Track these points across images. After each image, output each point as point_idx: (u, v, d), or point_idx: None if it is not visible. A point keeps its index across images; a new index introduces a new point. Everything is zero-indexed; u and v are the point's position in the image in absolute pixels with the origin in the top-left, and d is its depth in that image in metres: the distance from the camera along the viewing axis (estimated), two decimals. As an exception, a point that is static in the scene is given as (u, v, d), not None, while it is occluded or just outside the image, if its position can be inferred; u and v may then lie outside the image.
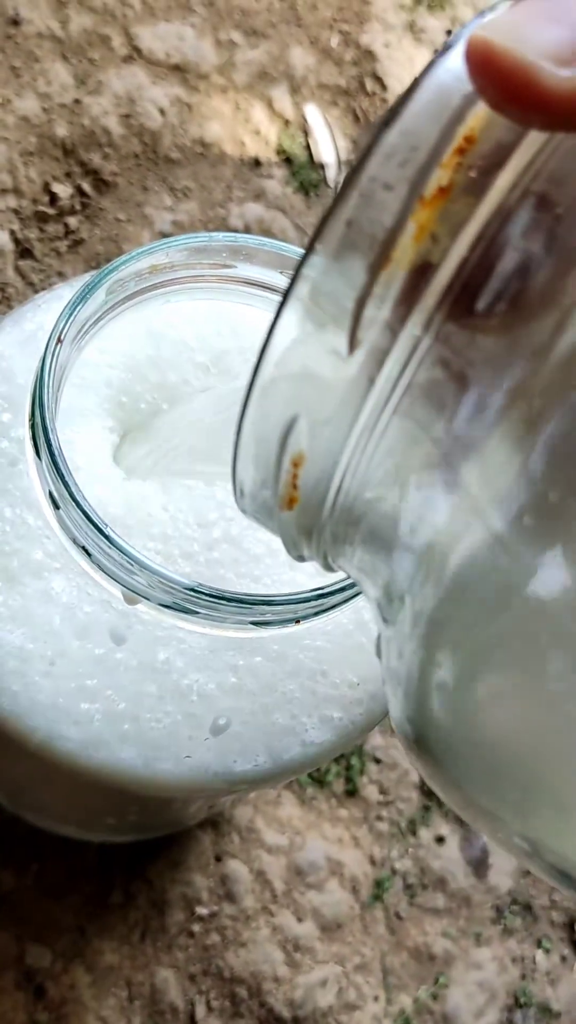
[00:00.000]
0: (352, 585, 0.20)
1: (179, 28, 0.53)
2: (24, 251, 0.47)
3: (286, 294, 0.14)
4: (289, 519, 0.16)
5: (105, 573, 0.20)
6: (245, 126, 0.54)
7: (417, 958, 0.45)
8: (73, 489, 0.19)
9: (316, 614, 0.21)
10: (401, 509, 0.15)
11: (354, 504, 0.16)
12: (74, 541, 0.20)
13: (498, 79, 0.12)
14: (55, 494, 0.20)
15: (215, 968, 0.41)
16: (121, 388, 0.23)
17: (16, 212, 0.47)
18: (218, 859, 0.43)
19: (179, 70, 0.52)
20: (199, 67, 0.53)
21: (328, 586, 0.20)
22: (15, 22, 0.49)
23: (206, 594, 0.19)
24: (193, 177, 0.51)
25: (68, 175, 0.49)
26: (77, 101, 0.49)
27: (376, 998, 0.44)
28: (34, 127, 0.48)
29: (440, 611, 0.14)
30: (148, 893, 0.41)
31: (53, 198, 0.48)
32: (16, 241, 0.47)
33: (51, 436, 0.20)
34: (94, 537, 0.20)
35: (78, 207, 0.48)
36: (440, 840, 0.48)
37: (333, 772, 0.47)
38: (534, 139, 0.13)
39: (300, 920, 0.43)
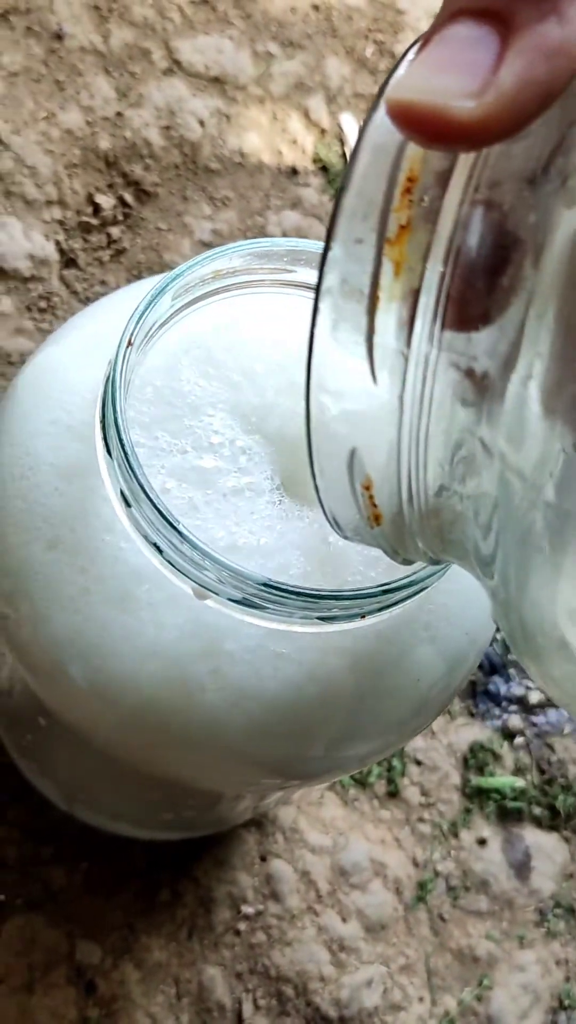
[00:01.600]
0: (417, 581, 0.21)
1: (218, 41, 0.53)
2: (69, 261, 0.48)
3: (310, 349, 0.17)
4: (380, 533, 0.19)
5: (176, 569, 0.21)
6: (282, 136, 0.55)
7: (461, 960, 0.46)
8: (146, 486, 0.20)
9: (381, 609, 0.21)
10: (463, 497, 0.17)
11: (427, 505, 0.18)
12: (146, 538, 0.21)
13: (422, 125, 0.14)
14: (127, 492, 0.21)
15: (261, 967, 0.42)
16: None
17: (61, 223, 0.48)
18: (263, 859, 0.43)
19: (218, 82, 0.53)
20: (237, 79, 0.54)
21: (394, 581, 0.21)
22: (58, 37, 0.50)
23: (277, 589, 0.20)
24: (232, 186, 0.52)
25: (111, 186, 0.49)
26: (119, 114, 0.50)
27: (421, 999, 0.44)
28: (78, 140, 0.49)
29: (519, 574, 0.16)
30: (195, 891, 0.42)
31: (96, 209, 0.49)
32: (61, 251, 0.48)
33: (123, 434, 0.20)
34: (166, 533, 0.20)
35: (120, 217, 0.49)
36: (482, 842, 0.48)
37: (375, 774, 0.47)
38: (464, 159, 0.16)
39: (345, 920, 0.44)
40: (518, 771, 0.50)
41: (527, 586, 0.16)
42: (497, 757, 0.50)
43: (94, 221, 0.49)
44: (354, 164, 0.16)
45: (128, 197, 0.50)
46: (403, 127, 0.15)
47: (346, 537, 0.20)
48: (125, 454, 0.20)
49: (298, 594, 0.20)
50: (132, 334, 0.21)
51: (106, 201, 0.49)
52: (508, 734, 0.51)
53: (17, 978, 0.39)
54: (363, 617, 0.21)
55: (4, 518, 0.23)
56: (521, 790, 0.49)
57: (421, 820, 0.47)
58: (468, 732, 0.50)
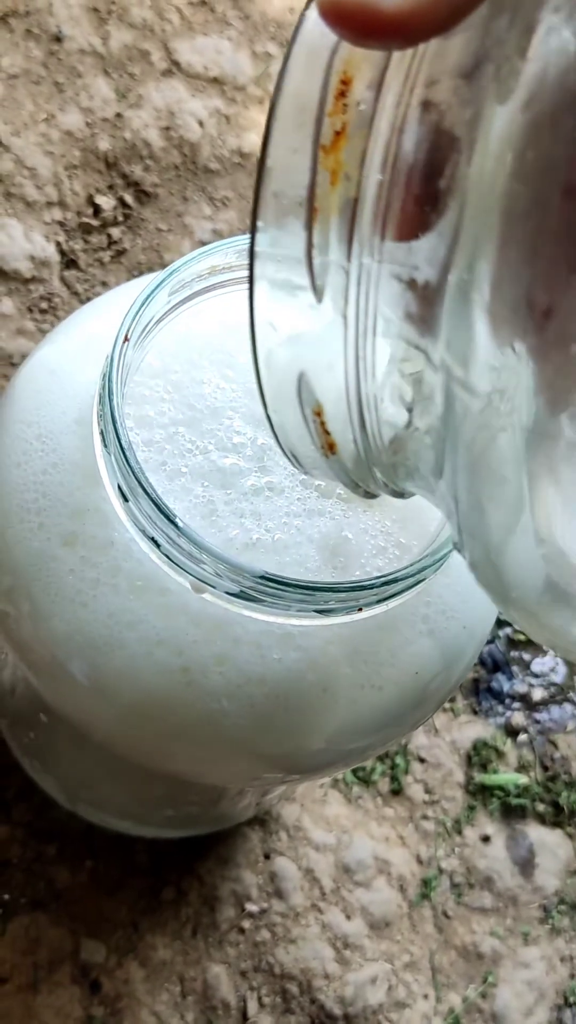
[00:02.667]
0: (416, 572, 0.21)
1: (216, 42, 0.54)
2: (69, 262, 0.48)
3: (251, 276, 0.16)
4: (337, 463, 0.18)
5: (173, 563, 0.21)
6: (282, 136, 0.55)
7: (465, 957, 0.46)
8: (143, 480, 0.20)
9: (378, 601, 0.21)
10: (414, 418, 0.17)
11: (379, 429, 0.17)
12: (143, 532, 0.21)
13: (352, 21, 0.14)
14: (124, 487, 0.21)
15: (266, 964, 0.42)
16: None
17: (61, 224, 0.48)
18: (267, 856, 0.43)
19: (217, 83, 0.53)
20: (236, 79, 0.54)
21: (390, 573, 0.21)
22: (58, 39, 0.50)
23: (273, 581, 0.20)
24: (232, 186, 0.52)
25: (111, 187, 0.50)
26: (119, 115, 0.50)
27: (426, 996, 0.44)
28: (78, 141, 0.49)
29: (471, 489, 0.16)
30: (199, 890, 0.42)
31: (97, 210, 0.49)
32: (62, 252, 0.48)
33: (120, 429, 0.20)
34: (164, 527, 0.20)
35: (120, 218, 0.49)
36: (486, 839, 0.48)
37: (378, 771, 0.47)
38: (399, 59, 0.15)
39: (349, 918, 0.44)
40: (521, 768, 0.50)
41: (486, 512, 0.15)
42: (500, 754, 0.50)
43: (94, 222, 0.49)
44: (286, 68, 0.16)
45: (128, 198, 0.50)
46: (333, 24, 0.14)
47: (307, 473, 0.19)
48: (122, 449, 0.20)
49: (295, 586, 0.20)
50: (128, 330, 0.21)
51: (106, 202, 0.49)
52: (511, 731, 0.51)
53: (22, 977, 0.39)
54: (360, 610, 0.21)
55: (2, 515, 0.23)
56: (524, 787, 0.49)
57: (425, 817, 0.47)
58: (471, 730, 0.50)
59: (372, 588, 0.20)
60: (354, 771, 0.47)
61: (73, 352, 0.25)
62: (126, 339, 0.21)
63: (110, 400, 0.21)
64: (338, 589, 0.20)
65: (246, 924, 0.42)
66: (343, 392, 0.17)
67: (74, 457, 0.23)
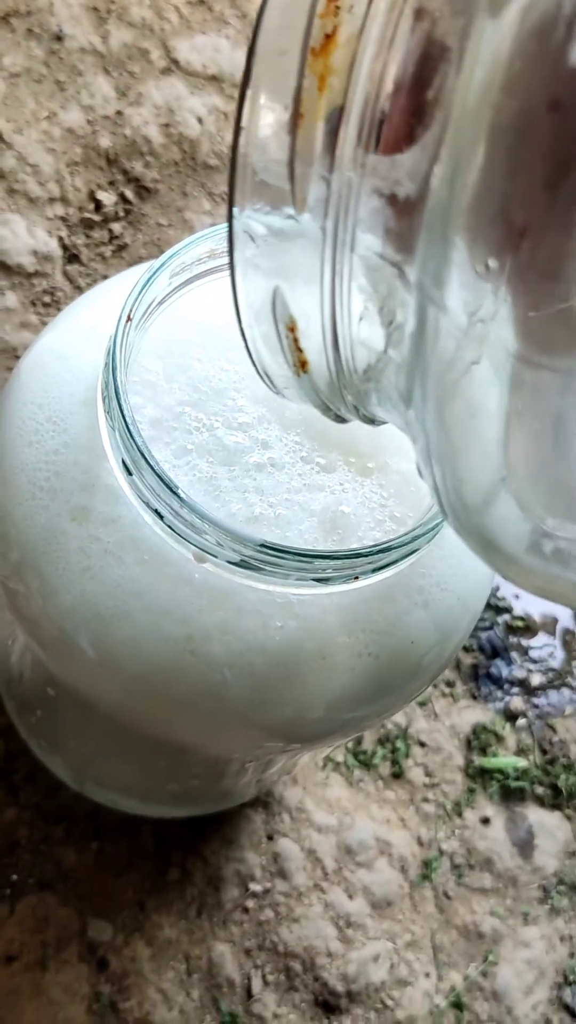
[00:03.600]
0: (409, 541, 0.22)
1: (215, 40, 0.54)
2: (72, 256, 0.49)
3: (231, 180, 0.16)
4: (309, 383, 0.18)
5: (177, 534, 0.22)
6: (279, 132, 0.56)
7: (466, 936, 0.46)
8: (145, 452, 0.21)
9: (374, 570, 0.22)
10: (387, 339, 0.17)
11: (354, 350, 0.17)
12: (147, 505, 0.22)
13: None
14: (128, 461, 0.22)
15: (269, 943, 0.43)
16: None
17: (64, 220, 0.49)
18: (270, 838, 0.44)
19: (216, 80, 0.54)
20: (234, 76, 0.55)
21: (385, 542, 0.22)
22: (58, 38, 0.51)
23: (272, 549, 0.21)
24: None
25: (112, 183, 0.51)
26: (119, 112, 0.51)
27: (427, 975, 0.45)
28: (79, 138, 0.50)
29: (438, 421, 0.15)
30: (204, 870, 0.43)
31: (98, 205, 0.50)
32: (64, 247, 0.49)
33: (123, 403, 0.21)
34: (167, 498, 0.21)
35: (122, 214, 0.50)
36: (485, 821, 0.48)
37: (379, 755, 0.48)
38: None
39: (351, 897, 0.44)
40: (520, 752, 0.51)
41: (455, 448, 0.15)
42: (500, 738, 0.51)
43: (96, 217, 0.50)
44: None
45: (129, 194, 0.51)
46: None
47: (279, 393, 0.19)
48: (125, 422, 0.21)
49: (292, 554, 0.21)
50: (131, 310, 0.22)
51: (107, 198, 0.50)
52: (510, 716, 0.52)
53: (31, 955, 0.40)
54: (356, 579, 0.22)
55: (10, 491, 0.24)
56: (524, 770, 0.50)
57: (425, 800, 0.48)
58: (471, 714, 0.51)
59: (367, 556, 0.21)
60: (355, 755, 0.48)
61: (78, 337, 0.26)
62: (129, 318, 0.22)
63: (114, 376, 0.21)
64: (334, 556, 0.21)
65: (250, 904, 0.43)
66: (317, 308, 0.16)
67: (82, 437, 0.24)
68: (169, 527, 0.22)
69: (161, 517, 0.22)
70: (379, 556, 0.21)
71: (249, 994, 0.42)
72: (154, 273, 0.22)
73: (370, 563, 0.22)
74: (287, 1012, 0.42)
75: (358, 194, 0.15)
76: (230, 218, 0.16)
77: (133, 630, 0.23)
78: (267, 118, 0.15)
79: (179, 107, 0.52)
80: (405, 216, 0.15)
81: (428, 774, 0.49)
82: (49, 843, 0.41)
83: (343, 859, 0.45)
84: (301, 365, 0.18)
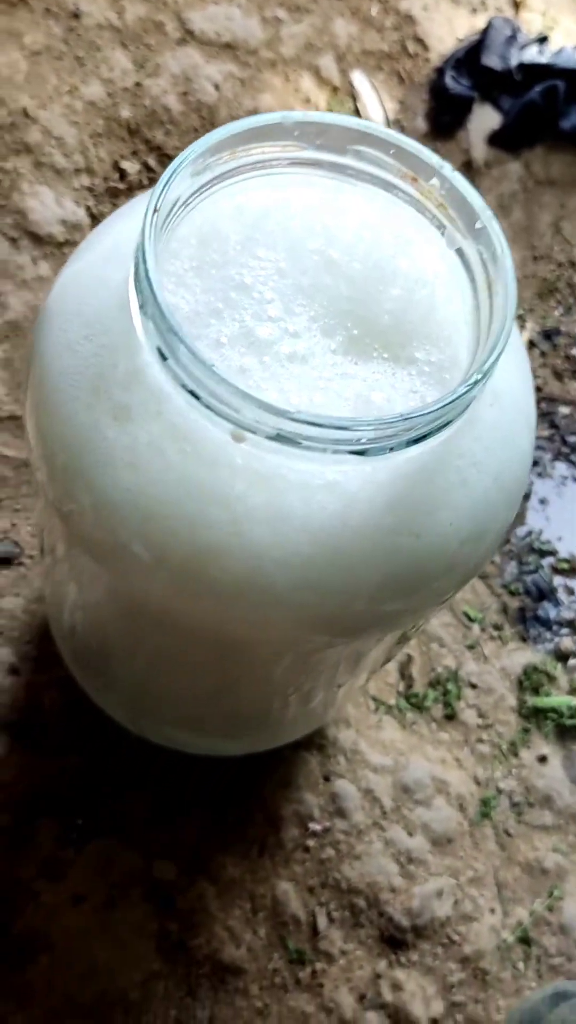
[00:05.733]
0: (435, 410, 0.22)
1: (227, 9, 0.56)
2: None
3: None
4: None
5: (214, 412, 0.22)
6: (295, 95, 0.56)
7: (529, 872, 0.46)
8: (179, 332, 0.22)
9: (408, 444, 0.23)
10: None
11: None
12: (184, 387, 0.22)
13: None
14: (163, 347, 0.22)
15: (332, 880, 0.43)
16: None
17: (90, 189, 0.50)
18: (326, 779, 0.44)
19: (230, 48, 0.55)
20: (248, 43, 0.55)
21: (417, 409, 0.22)
22: (76, 15, 0.52)
23: (307, 421, 0.21)
24: (251, 146, 0.54)
25: (135, 153, 0.52)
26: (138, 84, 0.52)
27: (492, 910, 0.45)
28: (101, 111, 0.51)
29: None
30: (263, 811, 0.43)
31: (123, 174, 0.51)
32: (92, 216, 0.50)
33: (156, 291, 0.22)
34: (203, 376, 0.22)
35: (146, 181, 0.51)
36: (543, 760, 0.48)
37: (431, 698, 0.48)
38: None
39: (411, 834, 0.44)
40: (573, 691, 0.50)
41: None
42: (551, 678, 0.50)
43: (121, 186, 0.51)
44: None
45: (152, 162, 0.52)
46: None
47: None
48: (158, 305, 0.22)
49: (327, 424, 0.21)
50: (157, 203, 0.23)
51: (131, 166, 0.51)
52: (561, 656, 0.51)
53: (99, 896, 0.40)
54: (392, 450, 0.23)
55: (55, 395, 0.25)
56: (578, 708, 0.50)
57: (480, 741, 0.48)
58: (521, 656, 0.51)
59: (399, 423, 0.22)
60: (407, 698, 0.48)
61: (107, 252, 0.27)
62: (156, 210, 0.22)
63: (145, 264, 0.22)
64: (366, 422, 0.21)
65: (310, 843, 0.43)
66: None
67: (119, 338, 0.25)
68: (207, 406, 0.22)
69: (198, 398, 0.22)
70: (410, 423, 0.22)
71: (315, 931, 0.42)
72: (176, 168, 0.23)
73: (405, 429, 0.22)
74: (353, 948, 0.42)
75: None
76: None
77: (179, 518, 0.24)
78: None
79: (196, 75, 0.53)
80: None
81: (481, 715, 0.49)
82: (111, 789, 0.42)
83: (400, 798, 0.45)
84: None
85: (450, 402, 0.22)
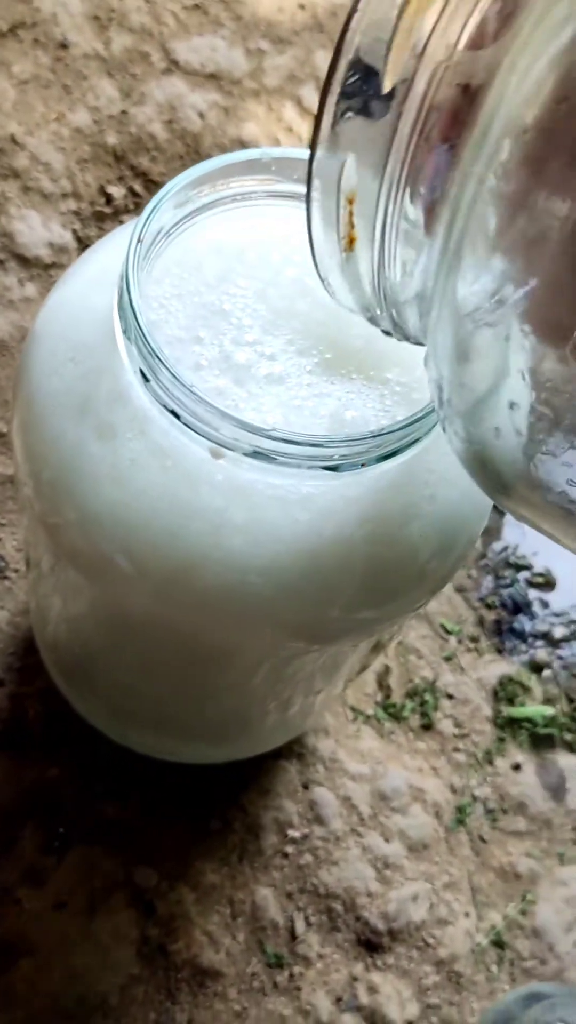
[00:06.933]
0: (404, 427, 0.24)
1: (211, 40, 0.57)
2: (86, 247, 0.51)
3: (338, 45, 0.18)
4: (352, 267, 0.20)
5: (193, 431, 0.24)
6: (278, 124, 0.58)
7: (503, 877, 0.47)
8: (159, 355, 0.23)
9: (379, 459, 0.24)
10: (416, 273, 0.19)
11: (396, 248, 0.19)
12: (165, 407, 0.24)
13: None
14: (144, 369, 0.24)
15: (310, 886, 0.44)
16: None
17: (76, 213, 0.52)
18: (305, 787, 0.46)
19: (214, 78, 0.57)
20: (232, 74, 0.57)
21: (384, 428, 0.23)
22: (63, 46, 0.54)
23: (282, 438, 0.23)
24: (233, 172, 0.55)
25: (121, 178, 0.53)
26: (124, 112, 0.54)
27: (467, 914, 0.46)
28: (87, 137, 0.53)
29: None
30: (243, 819, 0.44)
31: (109, 199, 0.52)
32: (78, 239, 0.51)
33: (139, 317, 0.23)
34: (182, 396, 0.23)
35: (132, 206, 0.53)
36: (517, 768, 0.50)
37: (408, 708, 0.49)
38: None
39: (387, 840, 0.46)
40: (547, 701, 0.52)
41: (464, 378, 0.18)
42: (526, 689, 0.52)
43: (107, 210, 0.52)
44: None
45: (137, 187, 0.53)
46: None
47: (323, 279, 0.21)
48: (140, 330, 0.23)
49: (301, 441, 0.23)
50: (141, 233, 0.24)
51: (117, 191, 0.53)
52: (535, 667, 0.53)
53: (80, 902, 0.41)
54: (363, 465, 0.24)
55: (41, 416, 0.26)
56: (552, 718, 0.51)
57: (456, 750, 0.49)
58: (496, 667, 0.52)
59: (369, 440, 0.23)
60: (385, 708, 0.49)
61: (93, 279, 0.28)
62: (139, 240, 0.24)
63: (128, 290, 0.23)
64: (338, 440, 0.23)
65: (289, 849, 0.44)
66: (376, 189, 0.19)
67: (103, 362, 0.26)
68: (186, 425, 0.24)
69: (179, 417, 0.24)
70: (380, 440, 0.23)
71: (293, 936, 0.43)
72: (160, 200, 0.25)
73: (376, 446, 0.23)
74: (331, 952, 0.43)
75: (439, 84, 0.17)
76: (325, 92, 0.19)
77: (161, 531, 0.25)
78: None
79: (181, 104, 0.55)
80: (468, 105, 0.17)
81: (457, 725, 0.50)
82: (93, 797, 0.43)
83: (378, 805, 0.46)
84: (349, 242, 0.20)
85: (417, 420, 0.24)
